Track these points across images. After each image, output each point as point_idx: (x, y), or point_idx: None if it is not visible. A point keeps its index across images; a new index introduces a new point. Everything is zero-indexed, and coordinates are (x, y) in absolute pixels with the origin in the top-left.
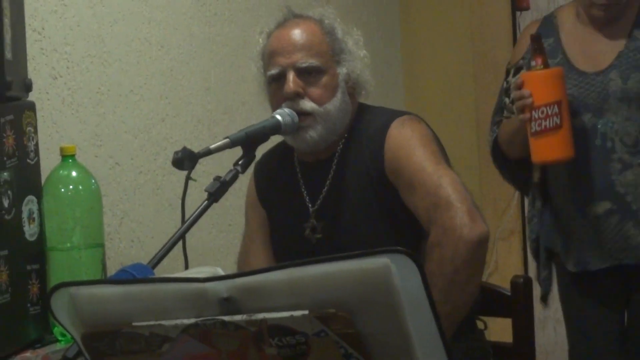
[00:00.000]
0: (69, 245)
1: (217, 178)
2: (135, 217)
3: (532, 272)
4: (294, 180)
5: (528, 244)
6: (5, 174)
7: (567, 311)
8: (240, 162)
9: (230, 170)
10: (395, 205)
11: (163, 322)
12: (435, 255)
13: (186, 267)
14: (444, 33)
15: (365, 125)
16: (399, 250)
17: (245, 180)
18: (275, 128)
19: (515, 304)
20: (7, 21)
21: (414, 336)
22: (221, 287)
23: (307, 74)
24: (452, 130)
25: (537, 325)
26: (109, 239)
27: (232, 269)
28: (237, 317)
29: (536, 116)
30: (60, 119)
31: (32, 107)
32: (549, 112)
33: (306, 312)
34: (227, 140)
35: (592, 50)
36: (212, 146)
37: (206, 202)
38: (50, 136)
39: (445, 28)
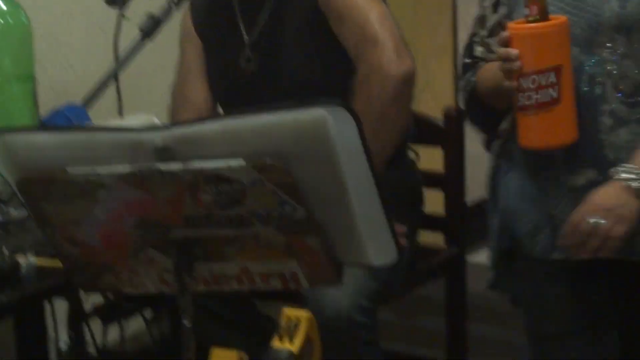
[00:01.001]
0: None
1: (150, 15)
2: (65, 41)
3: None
4: (231, 11)
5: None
6: None
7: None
8: None
9: (165, 7)
10: (329, 38)
11: (98, 169)
12: (363, 92)
13: (120, 107)
14: None
15: None
16: (336, 103)
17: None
18: None
19: (447, 134)
20: None
21: (349, 185)
22: (157, 137)
23: None
24: None
25: (471, 159)
26: (40, 65)
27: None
28: (173, 166)
29: (525, 86)
30: None
31: None
32: (543, 82)
33: (242, 161)
34: None
35: None
36: None
37: (139, 39)
38: None
39: None
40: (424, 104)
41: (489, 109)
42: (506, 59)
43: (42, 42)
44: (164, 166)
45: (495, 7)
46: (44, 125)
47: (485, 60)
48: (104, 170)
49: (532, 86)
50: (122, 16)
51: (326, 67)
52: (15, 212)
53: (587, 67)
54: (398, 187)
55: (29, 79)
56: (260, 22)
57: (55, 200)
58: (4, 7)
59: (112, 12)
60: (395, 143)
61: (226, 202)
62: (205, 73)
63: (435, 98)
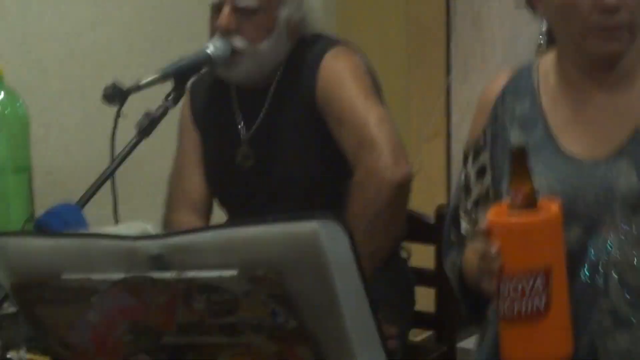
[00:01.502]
0: None
1: (147, 114)
2: (62, 124)
3: (454, 173)
4: (229, 105)
5: None
6: None
7: None
8: (170, 97)
9: (161, 105)
10: (327, 138)
11: (92, 276)
12: (358, 196)
13: (115, 205)
14: None
15: (303, 55)
16: (328, 216)
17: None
18: (206, 61)
19: (439, 232)
20: None
21: (341, 296)
22: (152, 245)
23: (243, 12)
24: (382, 29)
25: None
26: (35, 149)
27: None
28: (167, 274)
29: (507, 291)
30: None
31: None
32: (528, 289)
33: (235, 272)
34: (157, 75)
35: (590, 124)
36: (143, 82)
37: (136, 138)
38: None
39: None
40: (417, 190)
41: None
42: (484, 256)
43: (39, 126)
44: (157, 274)
45: (481, 173)
46: (39, 228)
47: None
48: (98, 276)
49: (514, 293)
50: (119, 114)
51: (323, 166)
52: (8, 307)
53: (590, 252)
54: (390, 288)
55: (25, 170)
56: (258, 118)
57: (48, 304)
58: (1, 97)
59: None
60: (389, 247)
61: (219, 311)
62: (202, 165)
63: (428, 180)
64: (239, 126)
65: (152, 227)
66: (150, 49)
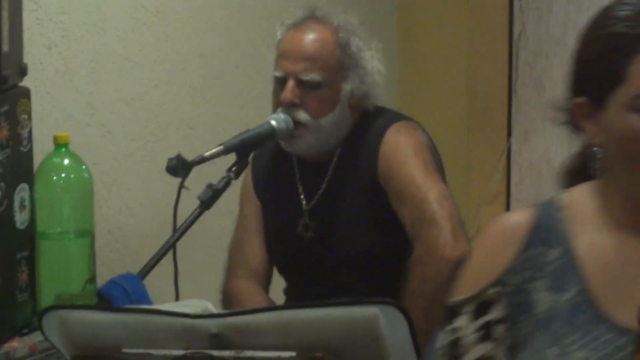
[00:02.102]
0: (59, 230)
1: (209, 185)
2: (125, 184)
3: None
4: (291, 177)
5: None
6: None
7: None
8: (233, 169)
9: (223, 178)
10: (388, 212)
11: (152, 352)
12: (418, 272)
13: (175, 276)
14: None
15: (365, 129)
16: (388, 302)
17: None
18: (270, 134)
19: None
20: (5, 14)
21: None
22: (212, 324)
23: (307, 86)
24: (443, 94)
25: None
26: (98, 206)
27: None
28: (226, 353)
29: None
30: (54, 89)
31: (26, 94)
32: None
33: (294, 354)
34: (221, 147)
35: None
36: (206, 154)
37: (198, 210)
38: (44, 107)
39: None
40: None
41: None
42: None
43: (102, 185)
44: (217, 352)
45: (486, 333)
46: (101, 297)
47: None
48: (158, 352)
49: None
50: (182, 186)
51: (382, 240)
52: None
53: None
54: None
55: (88, 234)
56: (320, 190)
57: None
58: (67, 162)
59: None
60: None
61: None
62: (262, 233)
63: None
64: (301, 197)
65: (212, 306)
66: (213, 111)
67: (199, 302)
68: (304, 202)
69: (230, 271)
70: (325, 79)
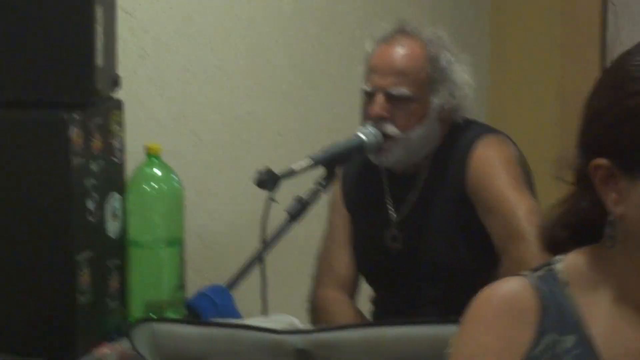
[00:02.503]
0: (150, 238)
1: (298, 198)
2: (214, 190)
3: None
4: (380, 189)
5: None
6: (91, 179)
7: None
8: (322, 182)
9: (312, 190)
10: (476, 226)
11: None
12: None
13: (263, 288)
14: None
15: (454, 142)
16: None
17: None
18: (359, 148)
19: None
20: (99, 28)
21: None
22: (298, 340)
23: (396, 100)
24: (536, 101)
25: None
26: (188, 212)
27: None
28: None
29: None
30: (146, 98)
31: (119, 105)
32: None
33: None
34: (310, 160)
35: None
36: (295, 167)
37: (286, 222)
38: (136, 115)
39: None
40: None
41: None
42: None
43: (192, 192)
44: None
45: None
46: (189, 309)
47: None
48: None
49: None
50: (271, 200)
51: (470, 254)
52: None
53: None
54: None
55: (178, 242)
56: (409, 202)
57: None
58: (159, 173)
59: (258, 161)
60: None
61: None
62: (350, 245)
63: None
64: (389, 209)
65: (298, 321)
66: (303, 119)
67: (285, 317)
68: (393, 214)
69: (318, 280)
70: (414, 93)
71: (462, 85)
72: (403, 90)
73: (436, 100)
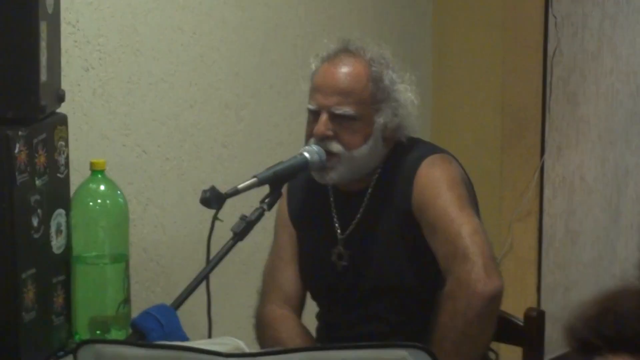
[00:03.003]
0: (94, 254)
1: (243, 217)
2: (159, 203)
3: (544, 253)
4: (326, 206)
5: None
6: (36, 195)
7: None
8: (266, 200)
9: (257, 209)
10: (421, 244)
11: None
12: (449, 307)
13: (208, 307)
14: (476, 13)
15: (399, 160)
16: (416, 346)
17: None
18: (303, 166)
19: (528, 334)
20: (43, 44)
21: None
22: None
23: (340, 119)
24: (477, 112)
25: (547, 291)
26: (133, 225)
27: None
28: None
29: None
30: (91, 111)
31: (64, 121)
32: None
33: None
34: (254, 179)
35: None
36: (240, 186)
37: (231, 241)
38: (80, 128)
39: (477, 9)
40: (506, 270)
41: None
42: None
43: (137, 204)
44: None
45: None
46: (134, 328)
47: None
48: None
49: None
50: (215, 218)
51: (415, 272)
52: None
53: None
54: None
55: (123, 258)
56: (354, 219)
57: None
58: (103, 188)
59: (203, 173)
60: (477, 357)
61: None
62: (296, 261)
63: (518, 260)
64: (335, 226)
65: (244, 344)
66: (247, 130)
67: (231, 340)
68: (339, 231)
69: (264, 297)
70: (358, 113)
71: (405, 104)
72: (347, 109)
73: (380, 119)
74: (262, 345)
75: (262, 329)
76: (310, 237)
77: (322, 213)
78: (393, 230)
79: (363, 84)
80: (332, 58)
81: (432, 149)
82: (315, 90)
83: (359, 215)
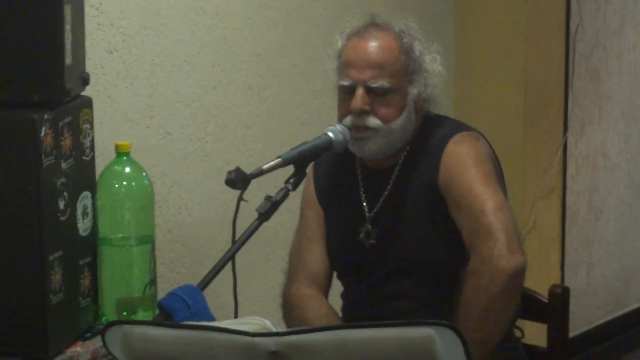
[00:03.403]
0: (120, 236)
1: (267, 197)
2: (183, 184)
3: (568, 230)
4: (354, 184)
5: None
6: (62, 178)
7: None
8: (291, 181)
9: (282, 189)
10: (447, 221)
11: None
12: (472, 283)
13: (234, 287)
14: None
15: (427, 138)
16: (443, 324)
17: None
18: (327, 146)
19: (552, 311)
20: (67, 27)
21: None
22: (270, 342)
23: (376, 92)
24: (500, 89)
25: (570, 268)
26: (157, 207)
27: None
28: None
29: None
30: (115, 93)
31: (89, 103)
32: None
33: None
34: (279, 159)
35: None
36: (264, 167)
37: (256, 222)
38: (105, 111)
39: None
40: (530, 248)
41: None
42: None
43: (162, 185)
44: None
45: None
46: (161, 309)
47: None
48: None
49: None
50: (240, 199)
51: (441, 249)
52: None
53: None
54: None
55: (149, 239)
56: (382, 197)
57: None
58: (128, 170)
59: (226, 154)
60: (501, 333)
61: None
62: (323, 240)
63: (542, 237)
64: (363, 204)
65: (270, 324)
66: (270, 111)
67: (258, 319)
68: (367, 209)
69: (291, 276)
70: (394, 85)
71: (434, 74)
72: (382, 82)
73: (413, 90)
74: (288, 325)
75: (289, 309)
76: (338, 215)
77: (350, 191)
78: (420, 207)
79: (395, 56)
80: (361, 33)
81: (460, 127)
82: (347, 66)
83: (386, 192)
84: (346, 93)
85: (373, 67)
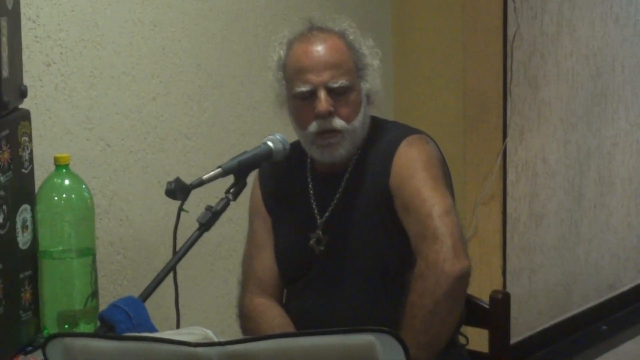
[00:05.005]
0: (60, 249)
1: (208, 208)
2: (124, 195)
3: (509, 236)
4: (305, 190)
5: None
6: (1, 191)
7: None
8: (231, 190)
9: (222, 199)
10: (398, 225)
11: None
12: (418, 286)
13: (176, 298)
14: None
15: (377, 141)
16: (383, 330)
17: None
18: (267, 156)
19: (493, 317)
20: (4, 40)
21: None
22: (212, 352)
23: (336, 92)
24: (439, 96)
25: (512, 274)
26: (98, 219)
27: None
28: None
29: None
30: (53, 105)
31: (27, 116)
32: None
33: None
34: (219, 169)
35: None
36: (205, 177)
37: (197, 232)
38: (43, 123)
39: None
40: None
41: None
42: None
43: (102, 197)
44: None
45: None
46: (102, 320)
47: None
48: None
49: None
50: (181, 209)
51: (391, 254)
52: None
53: None
54: None
55: (90, 252)
56: (332, 202)
57: None
58: (67, 182)
59: (167, 165)
60: (447, 337)
61: None
62: (272, 248)
63: (483, 243)
64: (314, 211)
65: (212, 334)
66: (210, 121)
67: (200, 330)
68: (317, 215)
69: (244, 286)
70: (351, 82)
71: (375, 68)
72: (342, 81)
73: (366, 85)
74: (246, 335)
75: (244, 320)
76: (287, 222)
77: (299, 198)
78: (372, 211)
79: (346, 54)
80: (304, 38)
81: (410, 130)
82: (301, 71)
83: (337, 197)
84: (305, 99)
85: (330, 67)
